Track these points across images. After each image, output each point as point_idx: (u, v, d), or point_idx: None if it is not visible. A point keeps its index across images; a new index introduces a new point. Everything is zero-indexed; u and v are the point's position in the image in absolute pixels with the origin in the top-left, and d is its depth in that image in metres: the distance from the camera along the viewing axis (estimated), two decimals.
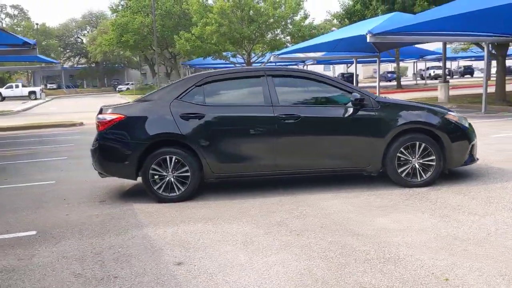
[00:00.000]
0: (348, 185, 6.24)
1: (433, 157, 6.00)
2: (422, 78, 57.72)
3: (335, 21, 30.52)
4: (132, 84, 68.10)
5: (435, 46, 38.27)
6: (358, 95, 5.92)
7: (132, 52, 45.62)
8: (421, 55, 37.49)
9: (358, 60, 25.02)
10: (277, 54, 24.22)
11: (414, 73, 63.47)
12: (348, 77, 47.57)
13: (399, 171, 6.02)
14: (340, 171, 6.17)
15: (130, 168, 5.96)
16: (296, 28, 33.87)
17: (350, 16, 25.61)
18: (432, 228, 4.50)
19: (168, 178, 5.91)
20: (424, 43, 24.99)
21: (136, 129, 5.96)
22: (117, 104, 6.63)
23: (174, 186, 5.93)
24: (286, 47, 33.44)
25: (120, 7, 39.89)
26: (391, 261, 3.77)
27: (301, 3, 34.12)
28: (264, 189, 6.28)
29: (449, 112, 6.26)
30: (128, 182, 7.05)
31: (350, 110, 6.00)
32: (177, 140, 5.95)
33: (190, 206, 5.70)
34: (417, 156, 6.01)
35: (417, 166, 6.01)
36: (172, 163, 5.89)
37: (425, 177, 6.04)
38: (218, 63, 42.71)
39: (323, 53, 24.85)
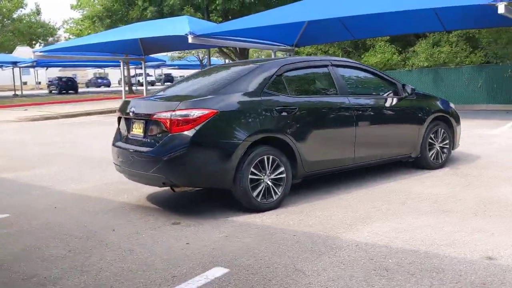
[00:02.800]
0: (381, 174, 6.48)
1: (447, 141, 6.87)
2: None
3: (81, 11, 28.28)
4: None
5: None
6: (411, 86, 6.29)
7: None
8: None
9: (126, 62, 24.07)
10: (40, 51, 21.12)
11: (120, 79, 64.46)
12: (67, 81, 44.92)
13: (429, 155, 6.66)
14: (398, 159, 6.38)
15: (228, 174, 4.76)
16: (25, 24, 29.90)
17: (111, 14, 24.36)
18: None
19: (265, 182, 5.01)
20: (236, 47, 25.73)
21: (234, 127, 4.81)
22: (189, 98, 5.08)
23: (272, 190, 5.06)
24: (17, 45, 29.31)
25: None
26: None
27: None
28: (325, 185, 5.96)
29: (449, 102, 7.24)
30: (126, 195, 5.57)
31: (403, 100, 6.30)
32: (275, 137, 5.09)
33: (297, 212, 4.99)
34: (439, 141, 6.76)
35: (438, 149, 6.77)
36: (270, 164, 5.03)
37: (442, 159, 6.84)
38: None
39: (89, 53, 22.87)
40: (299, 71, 5.64)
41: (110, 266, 3.70)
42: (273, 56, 19.37)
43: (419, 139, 6.43)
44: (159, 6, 22.94)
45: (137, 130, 5.12)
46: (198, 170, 4.65)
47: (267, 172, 4.97)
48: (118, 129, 5.59)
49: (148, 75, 59.15)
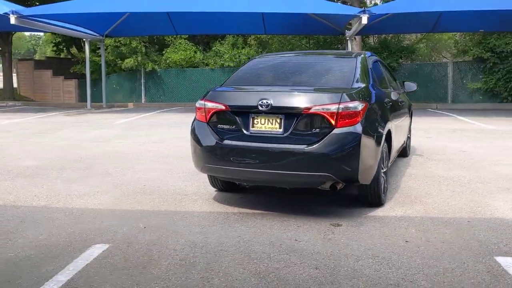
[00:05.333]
0: None
1: (410, 132, 7.95)
2: None
3: None
4: None
5: None
6: (415, 83, 7.05)
7: None
8: None
9: None
10: None
11: None
12: None
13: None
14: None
15: (375, 169, 4.65)
16: None
17: None
18: None
19: (382, 176, 5.05)
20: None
21: (377, 120, 4.73)
22: (325, 90, 4.57)
23: (384, 184, 5.14)
24: None
25: None
26: None
27: None
28: None
29: None
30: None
31: (404, 95, 7.03)
32: (389, 130, 5.14)
33: (409, 202, 5.22)
34: (408, 131, 7.74)
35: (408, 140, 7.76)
36: (385, 157, 5.10)
37: (410, 148, 7.87)
38: None
39: None
40: (372, 65, 5.75)
41: (407, 276, 3.34)
42: (86, 47, 17.55)
43: (408, 130, 7.28)
44: None
45: (269, 125, 4.46)
46: (363, 166, 4.41)
47: (384, 165, 5.03)
48: (210, 125, 4.70)
49: None
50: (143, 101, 22.27)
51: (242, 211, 4.79)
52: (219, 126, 4.65)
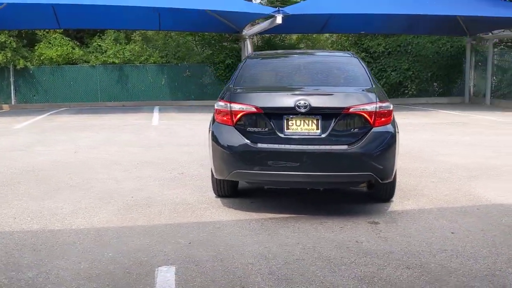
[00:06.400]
0: None
1: None
2: None
3: None
4: None
5: None
6: None
7: None
8: None
9: None
10: None
11: None
12: None
13: None
14: None
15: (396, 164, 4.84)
16: None
17: None
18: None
19: None
20: None
21: (395, 119, 4.91)
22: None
23: None
24: None
25: None
26: None
27: None
28: None
29: None
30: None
31: None
32: None
33: (412, 195, 5.54)
34: None
35: None
36: None
37: None
38: None
39: None
40: None
41: (489, 265, 3.55)
42: None
43: None
44: None
45: (305, 126, 4.35)
46: (395, 164, 4.56)
47: None
48: (238, 128, 4.44)
49: None
50: (13, 102, 19.95)
51: (270, 216, 4.61)
52: (249, 129, 4.41)
